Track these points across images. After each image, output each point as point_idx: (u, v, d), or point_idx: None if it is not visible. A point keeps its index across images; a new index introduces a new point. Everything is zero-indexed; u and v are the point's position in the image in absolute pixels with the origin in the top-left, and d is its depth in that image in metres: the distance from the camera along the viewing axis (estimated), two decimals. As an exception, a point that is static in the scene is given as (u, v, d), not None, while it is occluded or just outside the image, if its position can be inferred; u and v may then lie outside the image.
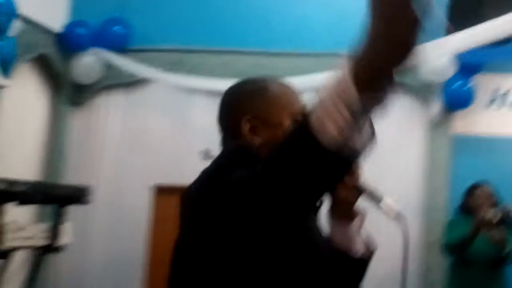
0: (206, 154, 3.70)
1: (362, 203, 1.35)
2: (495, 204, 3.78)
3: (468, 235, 3.69)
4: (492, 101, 4.46)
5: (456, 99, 4.31)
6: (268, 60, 4.54)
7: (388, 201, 1.31)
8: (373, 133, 0.96)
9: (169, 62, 4.67)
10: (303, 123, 0.95)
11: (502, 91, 4.47)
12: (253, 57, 4.56)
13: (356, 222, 1.36)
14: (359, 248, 1.37)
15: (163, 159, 4.59)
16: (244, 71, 4.05)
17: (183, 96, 4.67)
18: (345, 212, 1.35)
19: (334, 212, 1.36)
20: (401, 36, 0.84)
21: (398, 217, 1.30)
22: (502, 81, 4.45)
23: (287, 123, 1.30)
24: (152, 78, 4.68)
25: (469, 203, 3.97)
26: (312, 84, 3.50)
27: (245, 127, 1.31)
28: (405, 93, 4.26)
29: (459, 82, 4.27)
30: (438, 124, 4.34)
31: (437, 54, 4.02)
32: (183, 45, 4.71)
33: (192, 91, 4.62)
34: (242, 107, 1.34)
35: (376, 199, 1.31)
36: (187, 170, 4.47)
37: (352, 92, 0.88)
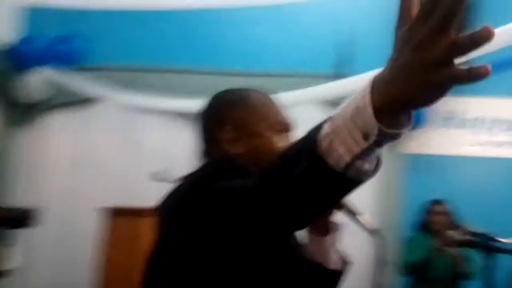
0: (161, 175, 3.65)
1: (339, 217, 1.34)
2: (453, 222, 3.82)
3: (429, 254, 3.72)
4: (444, 121, 4.56)
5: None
6: (223, 79, 4.50)
7: (366, 216, 1.30)
8: (379, 163, 0.88)
9: (122, 80, 4.58)
10: (309, 139, 0.87)
11: (453, 112, 4.58)
12: (208, 76, 4.52)
13: (332, 235, 1.36)
14: (334, 261, 1.37)
15: (114, 180, 4.48)
16: (199, 90, 4.00)
17: (135, 115, 4.59)
18: (321, 225, 1.34)
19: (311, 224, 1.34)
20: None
21: (375, 233, 1.30)
22: (453, 103, 4.55)
23: (267, 133, 1.28)
24: (103, 96, 4.59)
25: (428, 221, 4.01)
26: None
27: (225, 137, 1.29)
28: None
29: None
30: (392, 144, 4.39)
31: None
32: (137, 64, 4.64)
33: (144, 110, 4.55)
34: (222, 117, 1.32)
35: (353, 214, 1.30)
36: (138, 191, 4.40)
37: (371, 120, 0.78)
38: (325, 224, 1.34)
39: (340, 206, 1.28)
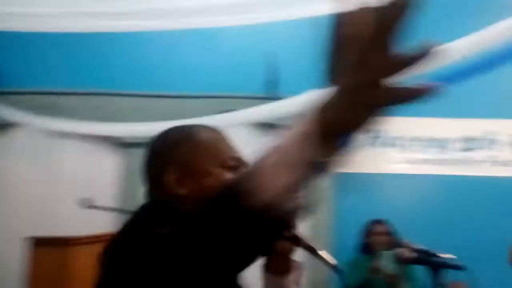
0: (85, 203, 3.52)
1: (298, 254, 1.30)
2: (393, 241, 3.79)
3: (370, 276, 3.71)
4: (373, 140, 4.64)
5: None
6: (148, 102, 4.42)
7: (324, 253, 1.27)
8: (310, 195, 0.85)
9: (41, 104, 4.40)
10: (238, 180, 0.83)
11: (382, 131, 4.67)
12: (132, 99, 4.42)
13: (292, 274, 1.31)
14: None
15: (35, 208, 4.31)
16: (123, 114, 3.89)
17: (55, 140, 4.42)
18: (280, 265, 1.29)
19: (269, 264, 1.29)
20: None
21: (335, 269, 1.27)
22: (378, 122, 4.63)
23: (216, 171, 1.22)
24: (22, 122, 4.39)
25: (369, 242, 4.00)
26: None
27: (169, 178, 1.21)
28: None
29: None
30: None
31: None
32: (57, 87, 4.47)
33: (65, 135, 4.38)
34: (167, 156, 1.25)
35: (312, 250, 1.26)
36: (61, 219, 4.26)
37: (309, 149, 0.75)
38: (284, 264, 1.29)
39: (298, 243, 1.25)
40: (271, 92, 4.40)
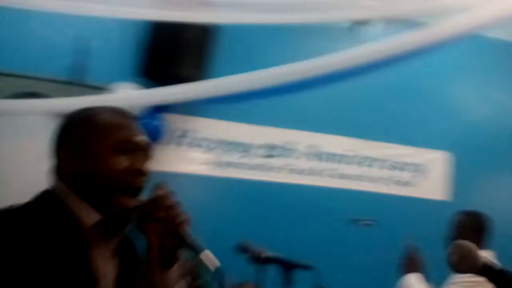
0: None
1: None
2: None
3: None
4: (179, 140, 4.59)
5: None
6: None
7: (208, 253, 1.28)
8: None
9: None
10: None
11: (189, 131, 4.65)
12: None
13: (175, 269, 1.33)
14: None
15: None
16: None
17: None
18: (163, 258, 1.29)
19: (150, 256, 1.29)
20: None
21: (217, 270, 1.27)
22: (186, 122, 4.62)
23: (107, 154, 1.27)
24: None
25: None
26: None
27: (62, 155, 1.30)
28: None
29: (148, 116, 4.26)
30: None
31: (125, 94, 3.99)
32: None
33: None
34: (63, 135, 1.33)
35: (196, 249, 1.28)
36: None
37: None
38: (167, 258, 1.31)
39: (181, 239, 1.28)
40: (77, 77, 4.14)
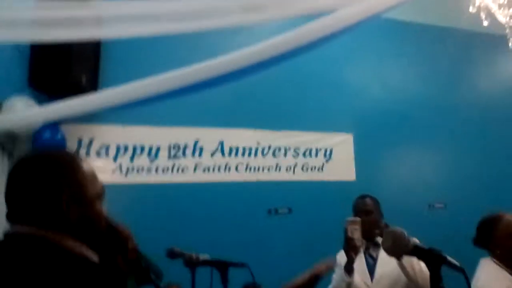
0: None
1: None
2: None
3: None
4: (78, 149, 4.44)
5: (47, 148, 4.11)
6: None
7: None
8: None
9: None
10: None
11: (87, 140, 4.50)
12: None
13: None
14: None
15: None
16: None
17: None
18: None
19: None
20: None
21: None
22: (87, 130, 4.48)
23: (95, 201, 1.34)
24: None
25: None
26: None
27: (64, 201, 1.28)
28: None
29: (49, 132, 4.09)
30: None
31: (22, 106, 3.82)
32: None
33: None
34: (60, 181, 1.30)
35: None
36: None
37: None
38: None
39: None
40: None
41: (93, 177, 1.37)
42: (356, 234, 2.74)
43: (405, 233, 1.72)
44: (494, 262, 2.45)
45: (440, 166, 5.76)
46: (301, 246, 4.80)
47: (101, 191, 1.38)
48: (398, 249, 1.72)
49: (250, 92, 4.84)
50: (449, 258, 1.61)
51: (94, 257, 1.30)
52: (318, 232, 4.88)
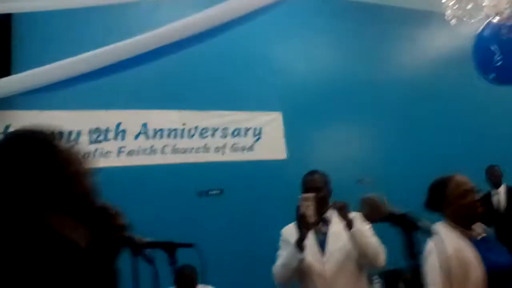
0: None
1: None
2: None
3: None
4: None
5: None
6: None
7: None
8: None
9: None
10: None
11: (2, 126, 4.28)
12: None
13: None
14: None
15: None
16: None
17: None
18: None
19: None
20: None
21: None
22: (4, 116, 4.27)
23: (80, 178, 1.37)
24: None
25: None
26: None
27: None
28: None
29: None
30: None
31: None
32: None
33: None
34: (40, 159, 1.33)
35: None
36: None
37: None
38: None
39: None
40: None
41: (74, 154, 1.39)
42: (309, 210, 2.72)
43: (382, 198, 1.73)
44: (446, 224, 2.48)
45: (368, 142, 5.83)
46: (234, 227, 4.75)
47: (83, 168, 1.38)
48: (375, 215, 1.74)
49: (174, 71, 4.71)
50: (420, 223, 1.63)
51: (77, 233, 1.31)
52: (252, 211, 4.84)
